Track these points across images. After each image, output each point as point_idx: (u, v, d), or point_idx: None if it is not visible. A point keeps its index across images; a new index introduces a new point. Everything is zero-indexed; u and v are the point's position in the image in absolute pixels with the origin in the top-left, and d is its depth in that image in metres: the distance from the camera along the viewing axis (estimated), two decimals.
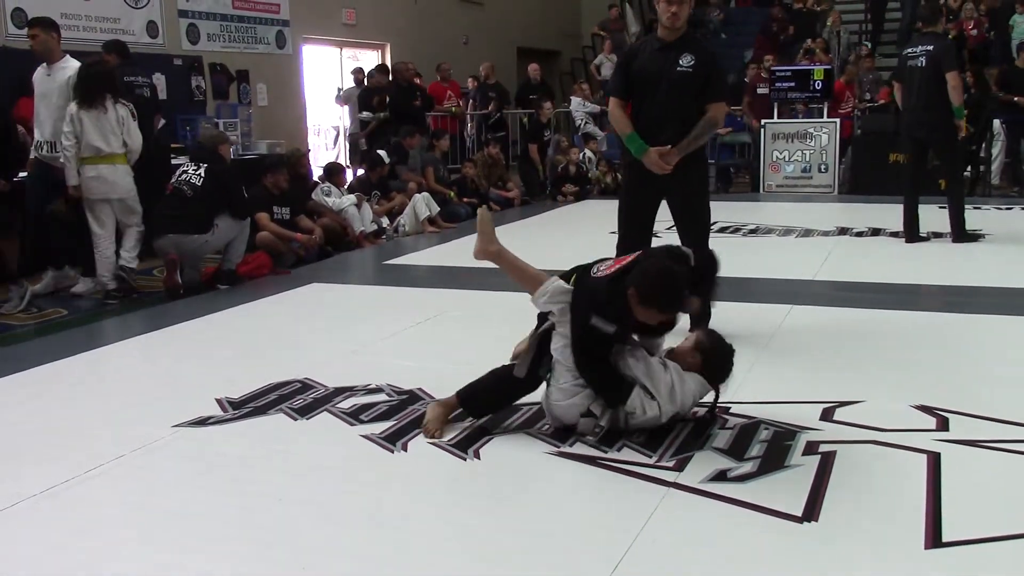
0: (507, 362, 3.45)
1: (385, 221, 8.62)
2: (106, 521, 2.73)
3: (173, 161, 7.55)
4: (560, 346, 3.18)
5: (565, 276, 3.24)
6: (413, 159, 9.94)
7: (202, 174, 6.11)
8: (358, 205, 8.06)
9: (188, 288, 6.09)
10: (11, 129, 6.51)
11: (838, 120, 11.22)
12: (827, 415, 3.43)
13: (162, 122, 7.62)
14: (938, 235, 7.41)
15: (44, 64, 6.11)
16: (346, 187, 8.63)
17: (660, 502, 2.74)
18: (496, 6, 16.25)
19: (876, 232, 7.87)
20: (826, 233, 7.95)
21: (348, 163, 11.72)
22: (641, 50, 4.55)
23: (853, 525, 2.59)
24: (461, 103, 13.16)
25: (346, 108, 12.59)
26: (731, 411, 3.46)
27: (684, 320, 3.66)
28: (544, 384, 3.30)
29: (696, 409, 3.37)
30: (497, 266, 3.47)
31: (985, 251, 7.04)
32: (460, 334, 4.85)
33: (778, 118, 11.43)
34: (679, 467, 2.98)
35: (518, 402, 3.43)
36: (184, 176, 6.15)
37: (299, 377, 4.03)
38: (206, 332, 5.11)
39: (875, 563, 2.39)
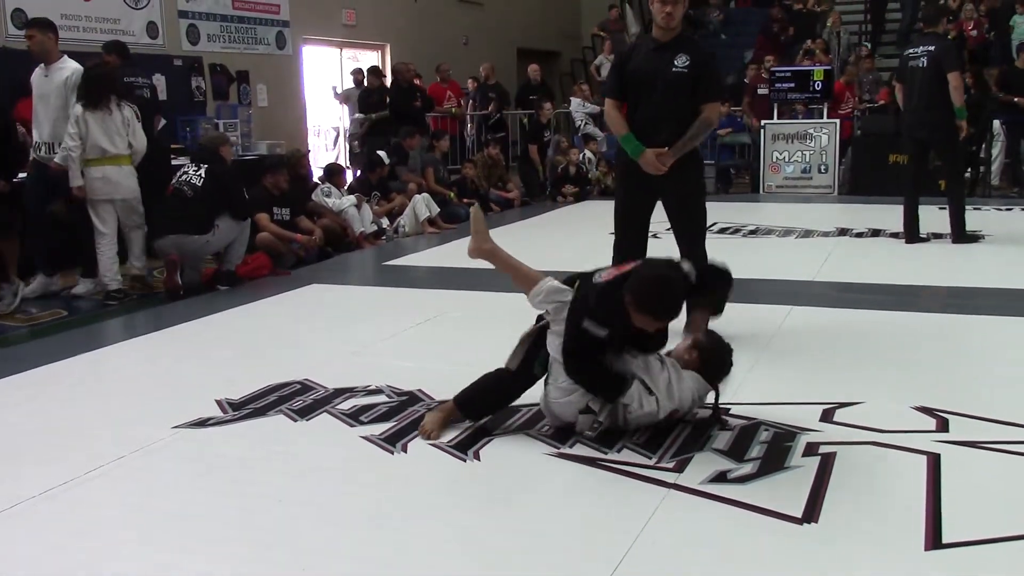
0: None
1: (385, 222, 8.61)
2: (106, 522, 2.73)
3: (173, 162, 7.56)
4: (557, 345, 3.19)
5: (567, 282, 3.24)
6: (413, 160, 9.94)
7: (203, 175, 6.12)
8: (358, 206, 8.05)
9: (188, 289, 6.10)
10: (11, 129, 6.50)
11: (838, 121, 11.21)
12: (827, 416, 3.43)
13: (162, 123, 7.61)
14: (938, 236, 7.41)
15: (42, 65, 6.11)
16: (346, 188, 8.63)
17: (660, 503, 2.74)
18: (496, 6, 16.25)
19: (876, 233, 7.86)
20: (826, 234, 7.94)
21: (348, 164, 11.72)
22: (636, 51, 4.54)
23: (853, 526, 2.59)
24: (461, 104, 13.16)
25: (346, 108, 12.59)
26: (731, 412, 3.45)
27: (682, 320, 3.65)
28: (542, 384, 3.30)
29: (698, 411, 3.36)
30: (493, 266, 3.47)
31: (985, 252, 7.04)
32: (460, 335, 4.85)
33: (778, 119, 11.42)
34: (679, 468, 2.98)
35: (517, 403, 3.43)
36: (185, 177, 6.17)
37: (299, 378, 4.03)
38: (206, 333, 5.11)
39: (875, 564, 2.39)
